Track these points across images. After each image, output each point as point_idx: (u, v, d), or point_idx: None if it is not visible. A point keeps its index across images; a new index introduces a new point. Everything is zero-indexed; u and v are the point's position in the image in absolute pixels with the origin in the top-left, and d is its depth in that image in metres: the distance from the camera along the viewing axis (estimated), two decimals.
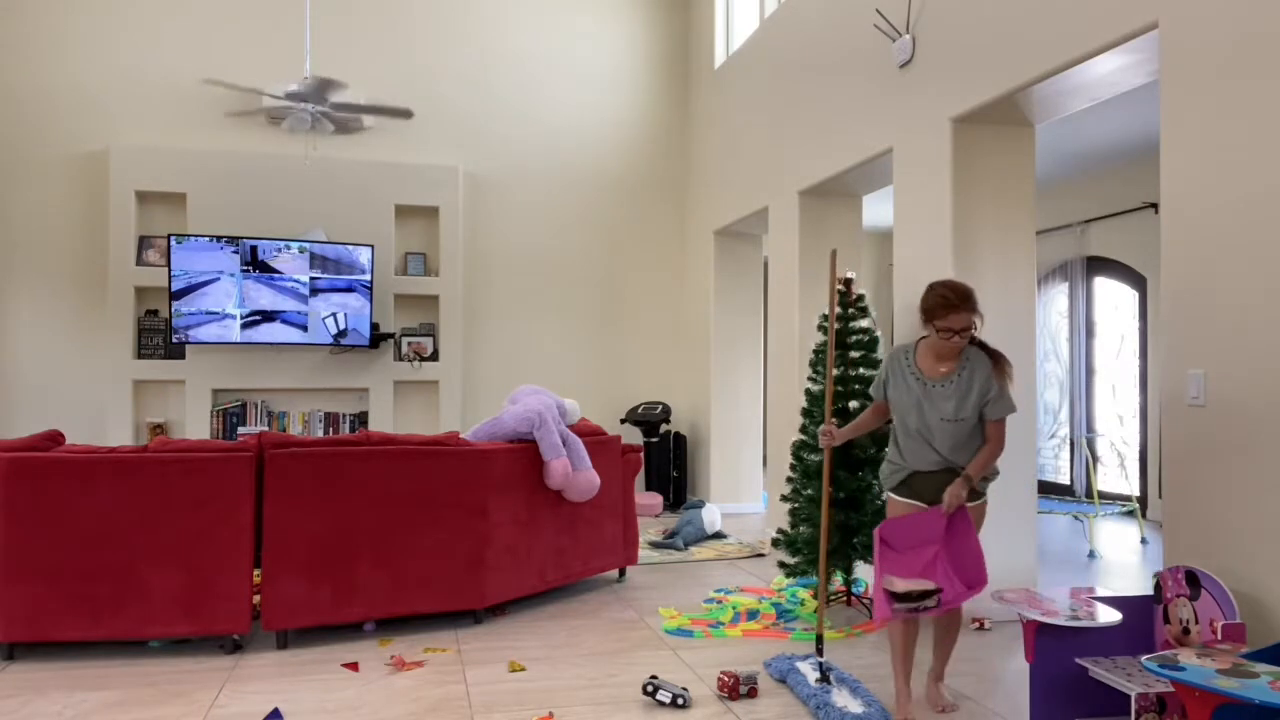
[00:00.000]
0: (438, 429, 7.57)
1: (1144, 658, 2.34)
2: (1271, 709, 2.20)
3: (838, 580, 4.54)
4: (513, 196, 7.98)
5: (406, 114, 6.42)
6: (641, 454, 5.36)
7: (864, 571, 4.91)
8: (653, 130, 8.33)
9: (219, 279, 6.84)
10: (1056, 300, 8.47)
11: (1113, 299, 7.99)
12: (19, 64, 7.03)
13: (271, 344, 7.00)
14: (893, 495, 3.16)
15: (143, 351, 7.09)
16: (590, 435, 4.86)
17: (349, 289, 7.12)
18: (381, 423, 7.42)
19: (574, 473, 4.53)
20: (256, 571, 3.90)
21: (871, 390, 3.23)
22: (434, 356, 7.60)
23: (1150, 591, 2.96)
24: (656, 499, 7.54)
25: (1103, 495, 7.72)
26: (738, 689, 3.27)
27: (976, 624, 4.21)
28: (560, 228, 8.09)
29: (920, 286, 4.52)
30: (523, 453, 4.45)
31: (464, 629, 4.17)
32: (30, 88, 7.05)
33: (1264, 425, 2.73)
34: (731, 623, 4.26)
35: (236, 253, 6.87)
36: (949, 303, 2.91)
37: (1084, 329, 8.22)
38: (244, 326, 6.89)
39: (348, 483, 3.95)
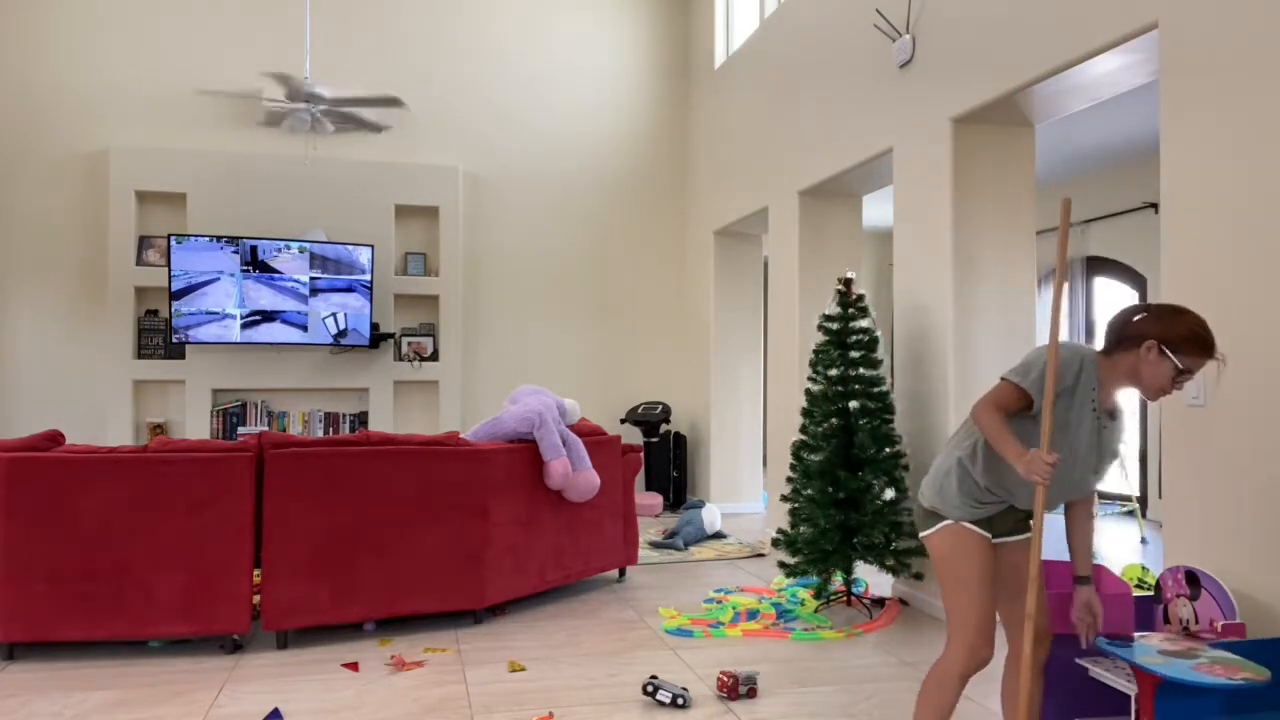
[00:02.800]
0: (438, 429, 7.57)
1: (1100, 637, 2.38)
2: (1223, 691, 2.22)
3: (837, 580, 4.54)
4: (513, 196, 7.98)
5: (397, 102, 6.43)
6: (641, 454, 5.36)
7: (864, 571, 4.91)
8: (653, 130, 8.33)
9: (219, 279, 6.84)
10: None
11: (1113, 299, 7.99)
12: (19, 64, 7.03)
13: (271, 344, 7.00)
14: (975, 529, 2.37)
15: (143, 351, 7.09)
16: (590, 435, 4.86)
17: (349, 289, 7.12)
18: (381, 423, 7.42)
19: (574, 473, 4.53)
20: (256, 571, 3.90)
21: (1024, 379, 2.26)
22: (434, 356, 7.60)
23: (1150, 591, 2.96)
24: (656, 499, 7.54)
25: (1103, 495, 7.72)
26: (737, 689, 3.27)
27: None
28: (560, 227, 8.09)
29: (921, 286, 4.55)
30: (523, 453, 4.44)
31: (464, 629, 4.17)
32: (30, 88, 7.05)
33: (1264, 425, 2.73)
34: (731, 623, 4.26)
35: (236, 253, 6.87)
36: (1208, 345, 2.20)
37: (1084, 329, 8.22)
38: (244, 326, 6.89)
39: (348, 483, 3.95)
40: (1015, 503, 2.37)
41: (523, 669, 3.62)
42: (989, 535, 2.37)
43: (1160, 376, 2.21)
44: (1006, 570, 2.45)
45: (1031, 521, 2.37)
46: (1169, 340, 2.19)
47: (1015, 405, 2.27)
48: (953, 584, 2.36)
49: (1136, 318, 2.26)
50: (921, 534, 2.45)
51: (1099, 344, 2.36)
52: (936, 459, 2.47)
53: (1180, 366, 2.19)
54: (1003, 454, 2.21)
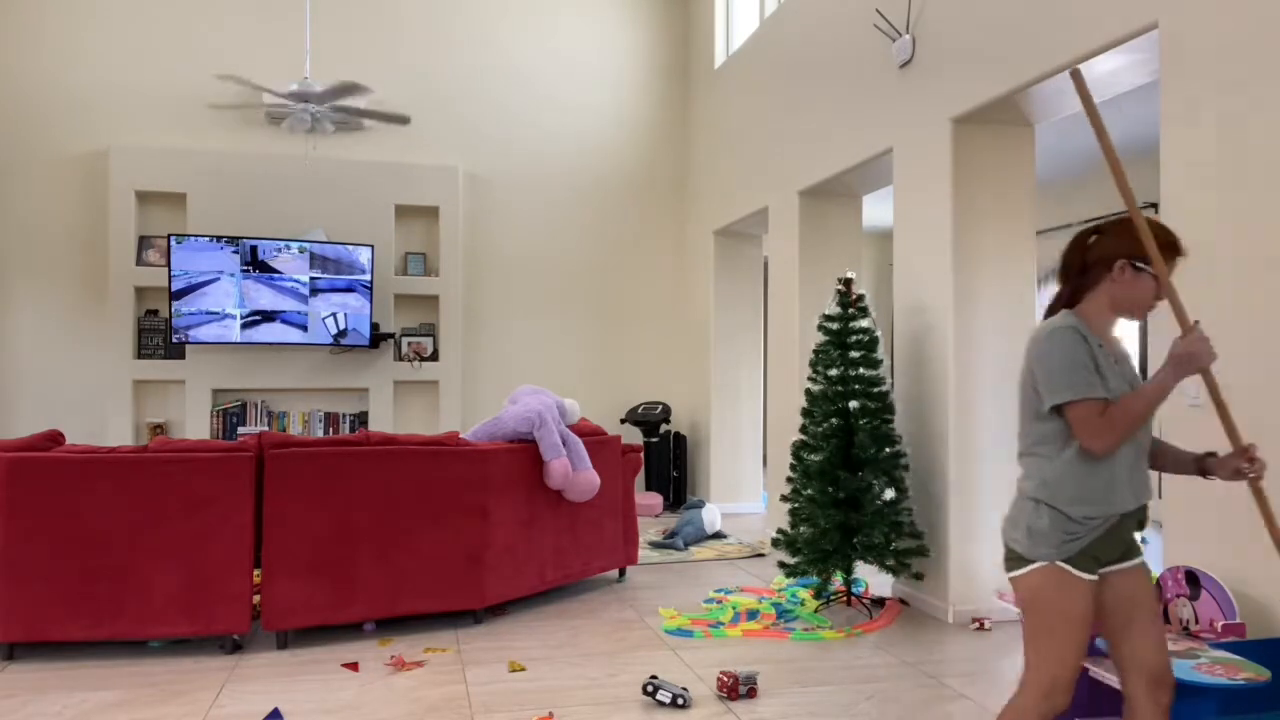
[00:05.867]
0: (438, 429, 7.57)
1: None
2: (1223, 691, 2.22)
3: (837, 580, 4.54)
4: (513, 196, 7.98)
5: (404, 120, 6.45)
6: (641, 454, 5.36)
7: (864, 571, 4.91)
8: (653, 130, 8.33)
9: (219, 279, 6.84)
10: None
11: None
12: (19, 64, 7.03)
13: (271, 344, 7.00)
14: (1072, 570, 2.01)
15: (143, 351, 7.09)
16: (590, 435, 4.86)
17: (349, 289, 7.12)
18: (381, 423, 7.42)
19: (574, 473, 4.53)
20: (256, 571, 3.90)
21: (1087, 389, 1.96)
22: (434, 356, 7.60)
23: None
24: (656, 499, 7.54)
25: None
26: (737, 689, 3.27)
27: (976, 624, 4.21)
28: (560, 227, 8.09)
29: (921, 286, 4.55)
30: (523, 453, 4.44)
31: (464, 629, 4.17)
32: (30, 88, 7.05)
33: (1264, 425, 2.73)
34: (731, 623, 4.26)
35: (236, 253, 6.86)
36: (1176, 243, 2.03)
37: None
38: (244, 326, 6.89)
39: (348, 483, 3.95)
40: (1122, 507, 2.02)
41: (523, 669, 3.62)
42: (1091, 576, 2.02)
43: (1142, 295, 2.02)
44: (1114, 603, 2.08)
45: (1141, 541, 2.10)
46: (1138, 252, 2.00)
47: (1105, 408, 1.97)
48: (1039, 628, 2.06)
49: (1092, 241, 2.08)
50: (1010, 574, 2.11)
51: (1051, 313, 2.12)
52: (1010, 509, 2.16)
53: (1158, 277, 2.00)
54: (1160, 397, 1.93)
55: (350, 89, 6.01)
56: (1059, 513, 2.01)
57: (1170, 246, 2.01)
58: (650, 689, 3.24)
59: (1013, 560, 2.10)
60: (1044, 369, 2.01)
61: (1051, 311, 2.11)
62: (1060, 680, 2.03)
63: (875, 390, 4.46)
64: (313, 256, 7.03)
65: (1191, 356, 1.90)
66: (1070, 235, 8.11)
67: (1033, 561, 2.04)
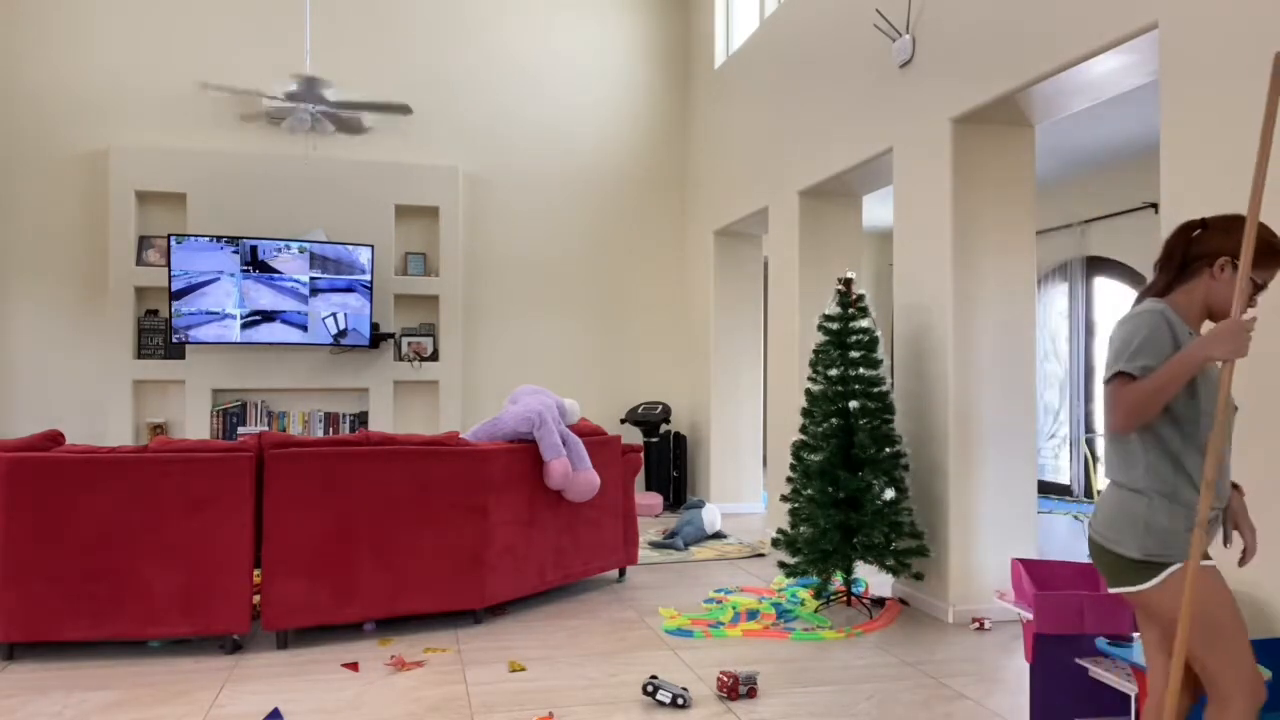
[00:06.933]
0: (438, 429, 7.57)
1: (1099, 638, 2.36)
2: None
3: (837, 580, 4.54)
4: (513, 196, 7.98)
5: (405, 109, 6.44)
6: (641, 454, 5.36)
7: (864, 571, 4.92)
8: (653, 130, 8.33)
9: (219, 279, 6.84)
10: (1056, 300, 8.47)
11: (1113, 299, 8.00)
12: (19, 64, 7.03)
13: (271, 344, 7.00)
14: (1205, 561, 1.92)
15: (143, 351, 7.09)
16: (590, 435, 4.86)
17: (349, 289, 7.12)
18: (381, 423, 7.42)
19: (574, 473, 4.53)
20: (256, 571, 3.90)
21: (1129, 362, 1.88)
22: (434, 356, 7.60)
23: None
24: (656, 499, 7.54)
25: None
26: (737, 689, 3.27)
27: (976, 624, 4.21)
28: (560, 227, 8.10)
29: (921, 286, 4.55)
30: (523, 453, 4.45)
31: (464, 629, 4.17)
32: (31, 88, 7.05)
33: (1262, 425, 2.73)
34: (731, 623, 4.26)
35: (236, 253, 6.87)
36: (1277, 248, 1.93)
37: (1084, 329, 8.23)
38: (244, 326, 6.89)
39: (348, 483, 3.95)
40: (1224, 501, 1.98)
41: (523, 669, 3.62)
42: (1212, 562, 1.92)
43: (1236, 289, 1.87)
44: None
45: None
46: (1233, 251, 1.89)
47: None
48: (1215, 632, 1.88)
49: (1197, 234, 1.95)
50: (1135, 589, 1.92)
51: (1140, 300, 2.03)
52: (1106, 507, 2.01)
53: (1258, 282, 1.89)
54: (1178, 373, 1.82)
55: (320, 83, 6.04)
56: (1178, 505, 1.89)
57: (1272, 251, 1.91)
58: (650, 689, 3.24)
59: (1135, 571, 1.91)
60: (1114, 348, 1.93)
61: (1141, 299, 2.03)
62: (1257, 675, 1.88)
63: (875, 390, 4.46)
64: (313, 256, 7.03)
65: (1230, 335, 1.79)
66: (1070, 235, 8.04)
67: (1166, 566, 1.89)
